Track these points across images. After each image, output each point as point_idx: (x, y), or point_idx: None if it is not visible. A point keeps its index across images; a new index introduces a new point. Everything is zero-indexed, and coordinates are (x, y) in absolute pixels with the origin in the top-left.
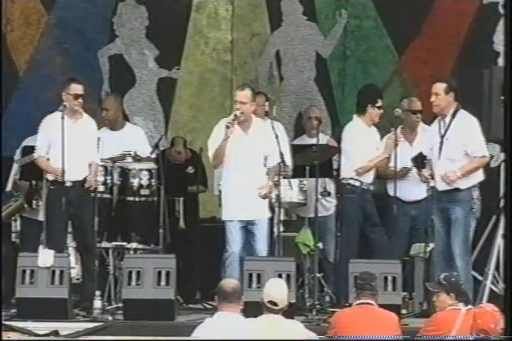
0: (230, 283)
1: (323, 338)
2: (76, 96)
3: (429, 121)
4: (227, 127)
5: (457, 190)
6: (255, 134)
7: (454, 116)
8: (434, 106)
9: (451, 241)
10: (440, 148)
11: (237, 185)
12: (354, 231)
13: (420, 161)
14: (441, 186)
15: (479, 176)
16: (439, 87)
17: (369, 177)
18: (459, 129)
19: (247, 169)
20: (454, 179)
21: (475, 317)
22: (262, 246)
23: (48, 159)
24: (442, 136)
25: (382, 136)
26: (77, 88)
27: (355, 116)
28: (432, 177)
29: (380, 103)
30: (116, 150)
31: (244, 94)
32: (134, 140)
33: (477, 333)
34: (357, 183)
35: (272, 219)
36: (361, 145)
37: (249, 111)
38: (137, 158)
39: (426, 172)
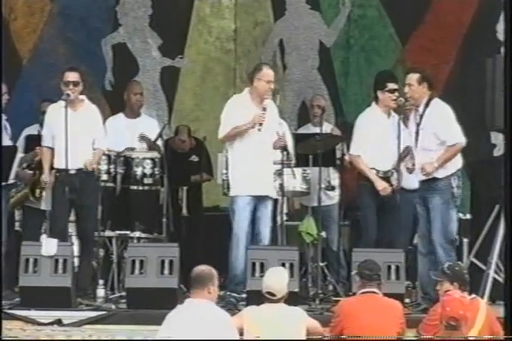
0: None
1: (325, 337)
2: (67, 83)
3: None
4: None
5: (435, 179)
6: (269, 110)
7: (427, 105)
8: (408, 98)
9: (431, 229)
10: (416, 139)
11: (250, 160)
12: (371, 219)
13: None
14: (421, 176)
15: (457, 164)
16: (412, 77)
17: (386, 165)
18: (432, 118)
19: (261, 144)
20: (430, 171)
21: (443, 305)
22: (266, 230)
23: (52, 149)
24: (417, 126)
25: None
26: (69, 75)
27: (373, 103)
28: (414, 165)
29: (390, 86)
30: (129, 137)
31: (272, 74)
32: (148, 130)
33: (447, 321)
34: (372, 172)
35: (275, 209)
36: (368, 129)
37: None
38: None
39: (409, 162)
